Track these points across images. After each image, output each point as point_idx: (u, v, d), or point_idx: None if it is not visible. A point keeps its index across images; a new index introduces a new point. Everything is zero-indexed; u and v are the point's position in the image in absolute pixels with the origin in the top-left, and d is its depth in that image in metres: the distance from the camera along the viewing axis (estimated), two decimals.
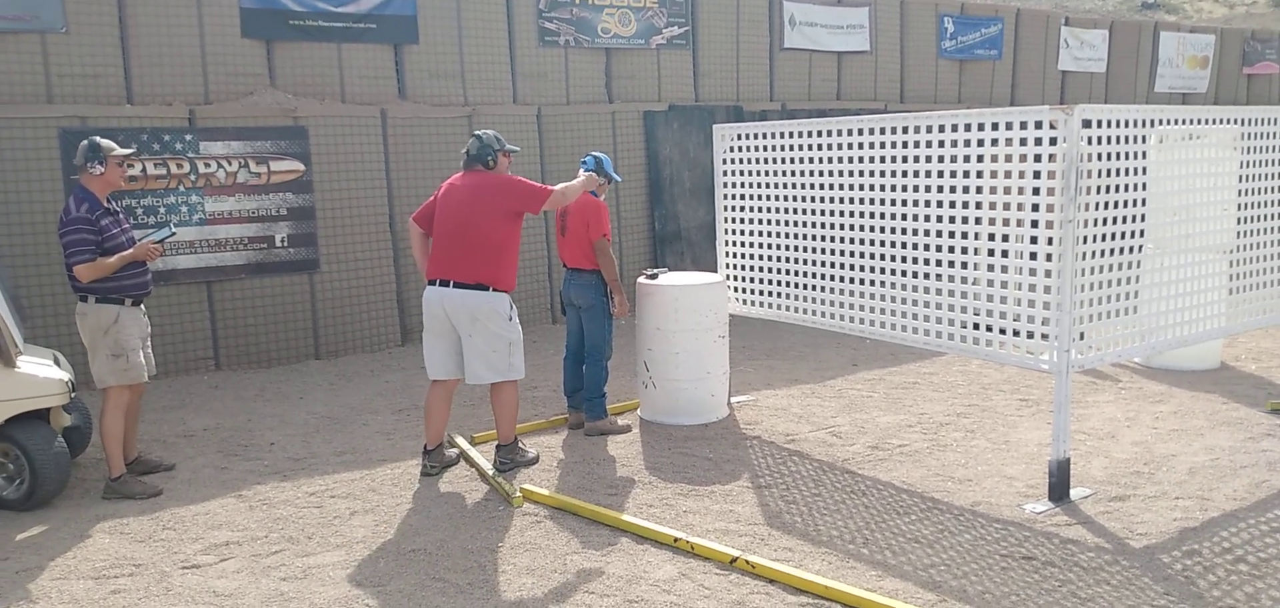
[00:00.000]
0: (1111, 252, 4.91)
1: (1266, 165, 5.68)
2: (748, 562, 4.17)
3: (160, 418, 6.89)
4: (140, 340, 5.42)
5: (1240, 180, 5.65)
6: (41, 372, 5.22)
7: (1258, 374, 7.33)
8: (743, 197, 6.71)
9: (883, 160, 5.60)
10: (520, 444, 5.74)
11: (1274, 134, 5.70)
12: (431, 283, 5.37)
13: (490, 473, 5.41)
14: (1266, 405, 6.38)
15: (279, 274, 8.63)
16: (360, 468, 5.72)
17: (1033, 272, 4.87)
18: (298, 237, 8.67)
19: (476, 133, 5.49)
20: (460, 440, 6.03)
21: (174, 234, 5.69)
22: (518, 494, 5.07)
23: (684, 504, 4.98)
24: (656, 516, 4.81)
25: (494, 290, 5.31)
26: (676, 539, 4.44)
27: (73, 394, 5.35)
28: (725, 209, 6.88)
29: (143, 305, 5.48)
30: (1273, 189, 5.75)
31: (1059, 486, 4.86)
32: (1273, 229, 5.81)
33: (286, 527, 4.85)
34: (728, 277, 6.89)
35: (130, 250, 5.28)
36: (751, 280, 6.74)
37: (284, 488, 5.41)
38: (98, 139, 5.30)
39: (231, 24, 8.47)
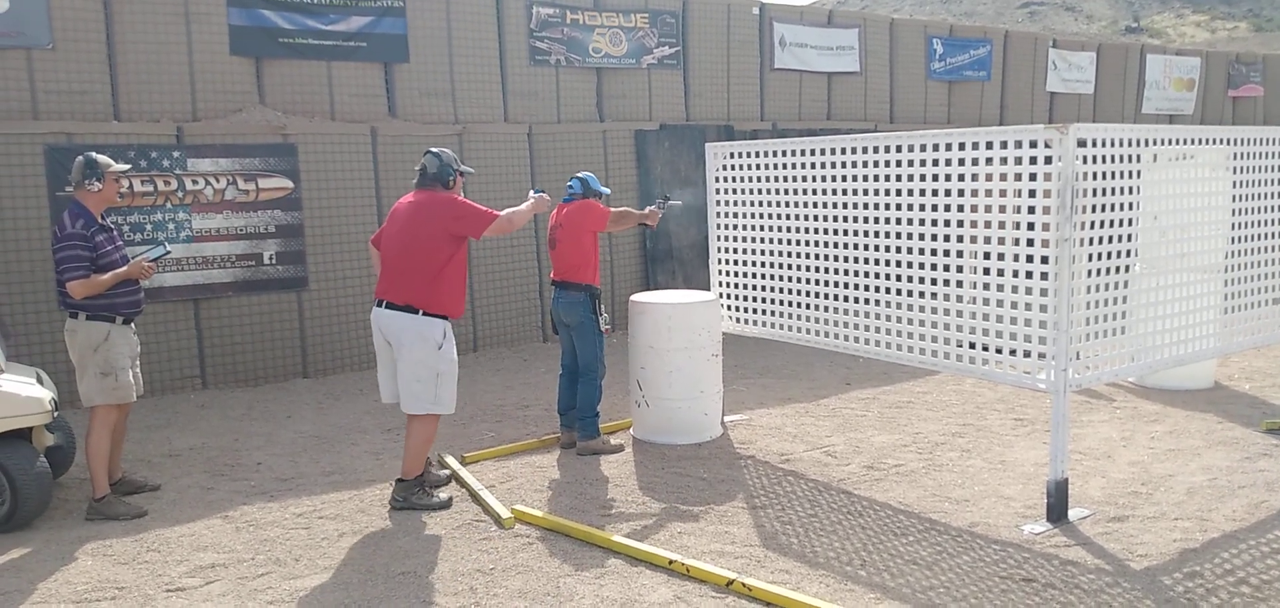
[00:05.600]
0: (1108, 271, 4.89)
1: (1258, 186, 5.69)
2: (744, 585, 4.10)
3: (146, 437, 6.78)
4: (130, 359, 5.33)
5: (1233, 200, 5.65)
6: (24, 390, 5.12)
7: (1251, 394, 7.33)
8: (736, 215, 6.68)
9: (877, 179, 5.57)
10: (425, 486, 5.35)
11: (1265, 155, 5.70)
12: (376, 303, 5.22)
13: (480, 493, 5.33)
14: (1262, 426, 6.37)
15: (267, 292, 8.54)
16: (349, 489, 5.63)
17: (1029, 290, 4.85)
18: (286, 254, 8.59)
19: (434, 150, 5.28)
20: (450, 460, 5.95)
21: (168, 252, 5.60)
22: (509, 515, 4.99)
23: (678, 525, 4.91)
24: (651, 537, 4.74)
25: (424, 314, 5.07)
26: (671, 562, 4.37)
27: (56, 413, 5.25)
28: (718, 227, 6.84)
29: (133, 324, 5.40)
30: (1264, 209, 5.75)
31: (1057, 506, 4.82)
32: (1264, 249, 5.81)
33: (273, 549, 4.76)
34: (721, 295, 6.84)
35: (124, 268, 5.21)
36: (745, 299, 6.70)
37: (271, 509, 5.32)
38: (94, 155, 5.23)
39: (220, 42, 8.41)
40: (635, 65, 10.72)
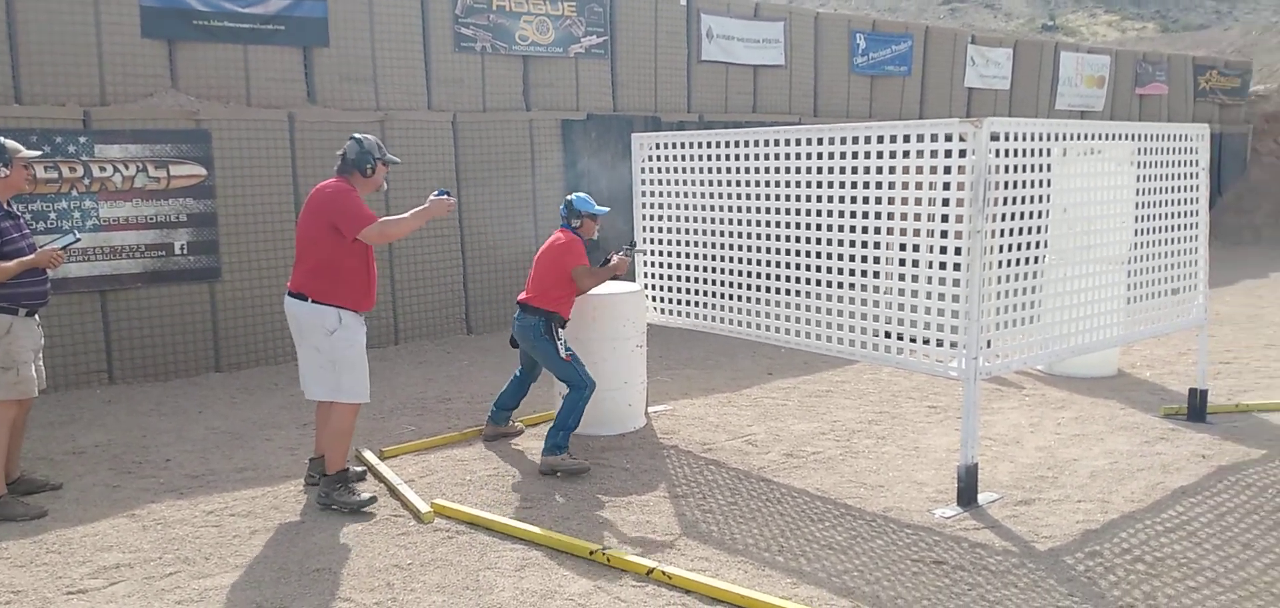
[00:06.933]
0: (1018, 262, 5.04)
1: (1160, 181, 5.92)
2: (664, 573, 4.13)
3: (48, 434, 6.52)
4: (33, 353, 5.11)
5: (1137, 194, 5.87)
6: None
7: (1151, 381, 7.63)
8: (660, 206, 6.70)
9: (799, 171, 5.65)
10: (350, 484, 5.16)
11: (1167, 150, 5.94)
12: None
13: (399, 487, 5.25)
14: (1160, 411, 6.64)
15: (178, 283, 8.27)
16: (262, 485, 5.50)
17: (942, 280, 4.96)
18: (198, 244, 8.33)
19: (356, 135, 5.16)
20: (367, 454, 5.85)
21: (78, 240, 5.40)
22: (428, 509, 4.93)
23: (600, 516, 4.92)
24: (573, 528, 4.74)
25: (314, 302, 4.99)
26: (592, 552, 4.37)
27: None
28: (643, 218, 6.85)
29: (37, 316, 5.18)
30: (1165, 203, 5.99)
31: (967, 491, 4.95)
32: (1165, 241, 6.05)
33: (182, 548, 4.62)
34: (645, 286, 6.86)
35: (31, 256, 4.98)
36: (669, 289, 6.73)
37: (180, 507, 5.16)
38: (2, 140, 5.00)
39: (131, 22, 8.10)
40: (562, 54, 10.66)
